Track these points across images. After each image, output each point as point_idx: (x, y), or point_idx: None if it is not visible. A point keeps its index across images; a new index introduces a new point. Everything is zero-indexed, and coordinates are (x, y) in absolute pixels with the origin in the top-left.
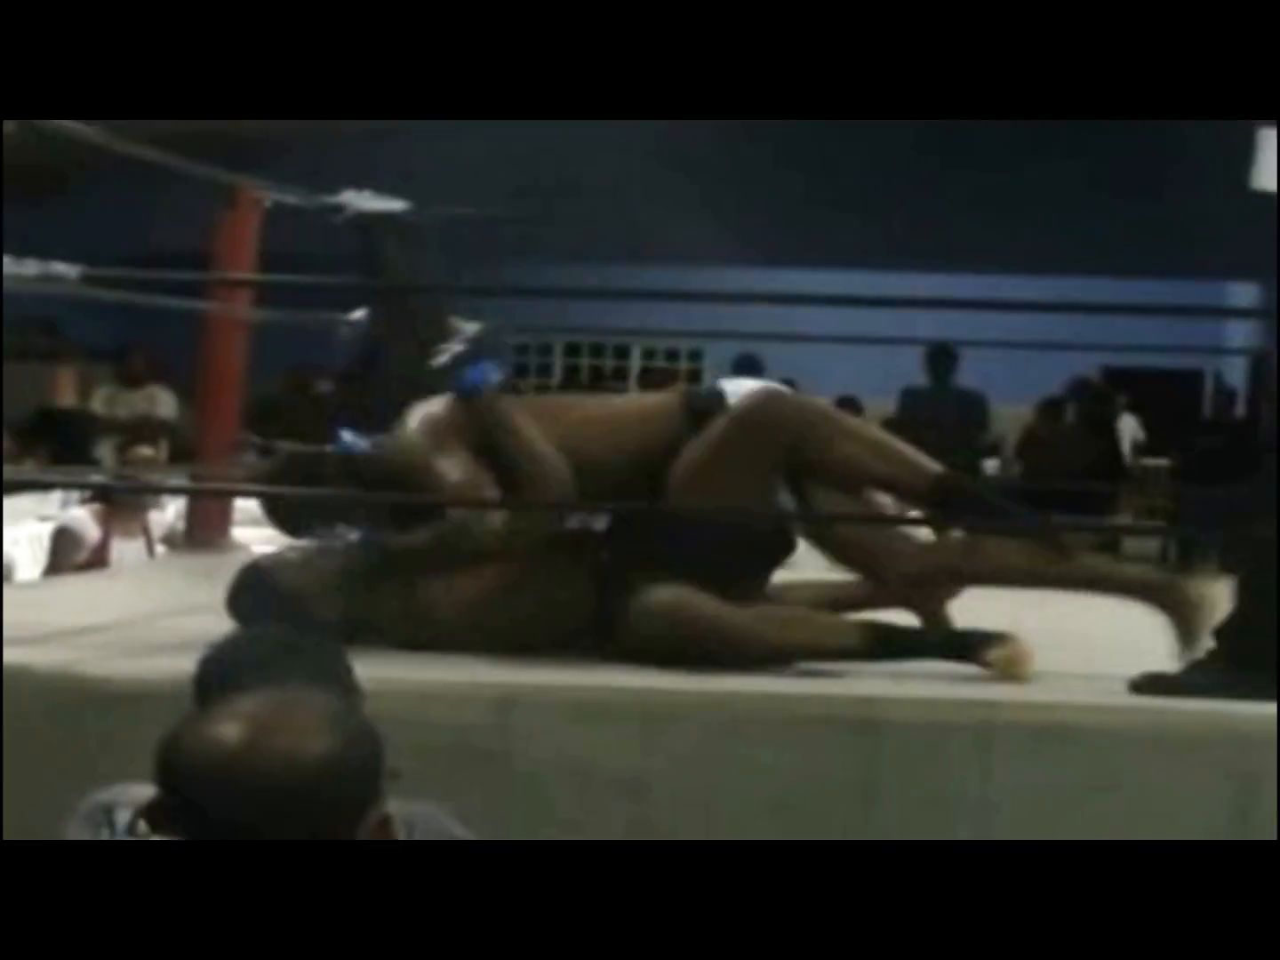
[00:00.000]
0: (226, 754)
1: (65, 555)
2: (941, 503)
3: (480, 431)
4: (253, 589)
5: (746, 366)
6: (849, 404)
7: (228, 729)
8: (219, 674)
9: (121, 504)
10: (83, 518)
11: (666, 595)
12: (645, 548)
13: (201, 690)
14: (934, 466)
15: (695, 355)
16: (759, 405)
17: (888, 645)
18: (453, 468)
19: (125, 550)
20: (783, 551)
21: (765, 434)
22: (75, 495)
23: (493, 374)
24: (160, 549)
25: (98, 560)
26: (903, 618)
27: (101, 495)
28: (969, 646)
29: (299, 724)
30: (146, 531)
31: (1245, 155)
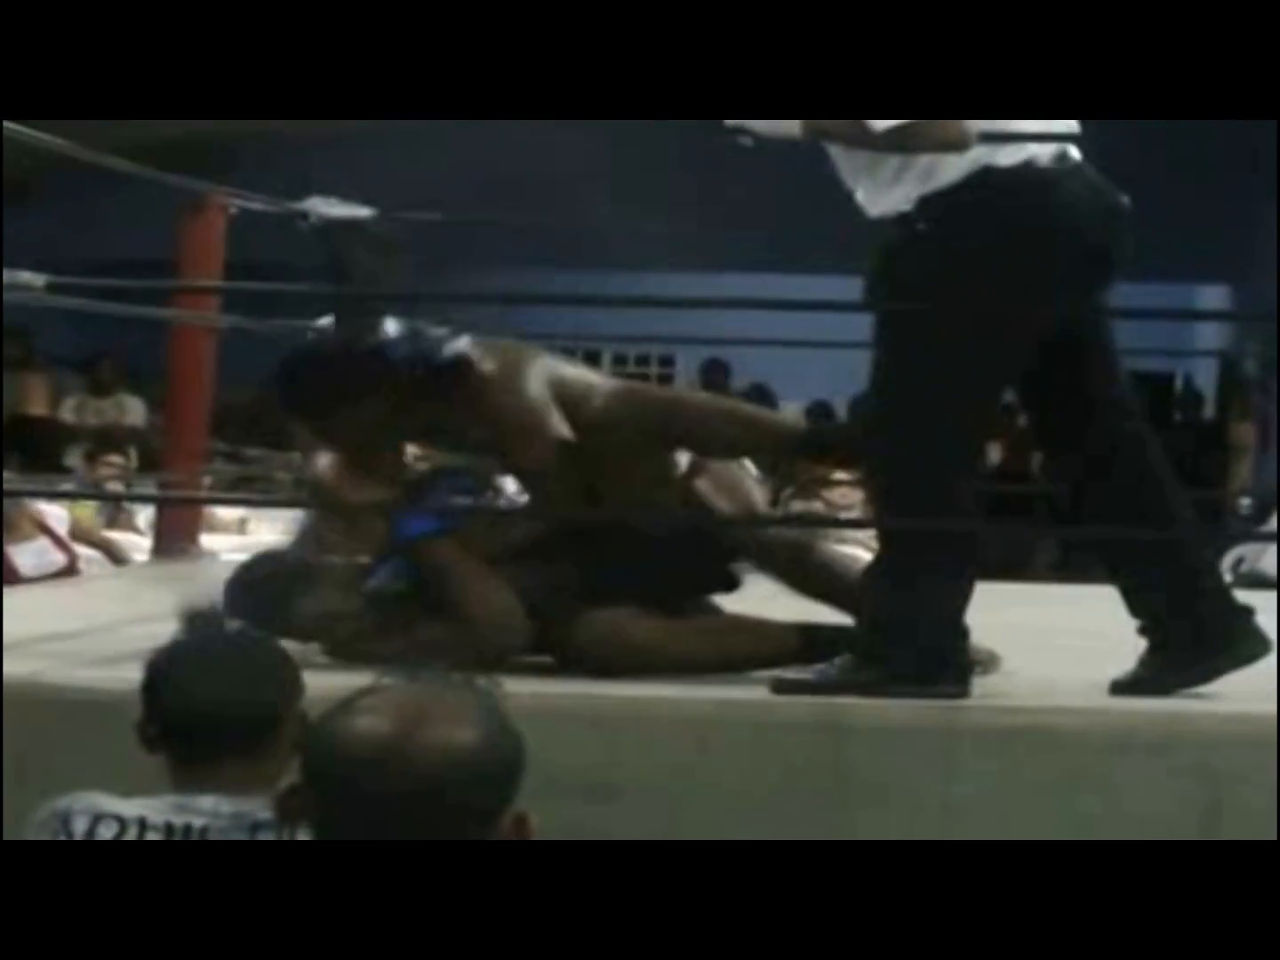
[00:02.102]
0: (377, 745)
1: None
2: (816, 452)
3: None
4: (281, 582)
5: (712, 371)
6: (822, 409)
7: (377, 721)
8: (166, 677)
9: (3, 511)
10: None
11: (605, 619)
12: (583, 564)
13: (149, 694)
14: (798, 423)
15: (667, 361)
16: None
17: (823, 646)
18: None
19: (30, 552)
20: (722, 559)
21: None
22: None
23: (430, 525)
24: (80, 546)
25: (8, 573)
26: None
27: None
28: None
29: (448, 718)
30: (45, 529)
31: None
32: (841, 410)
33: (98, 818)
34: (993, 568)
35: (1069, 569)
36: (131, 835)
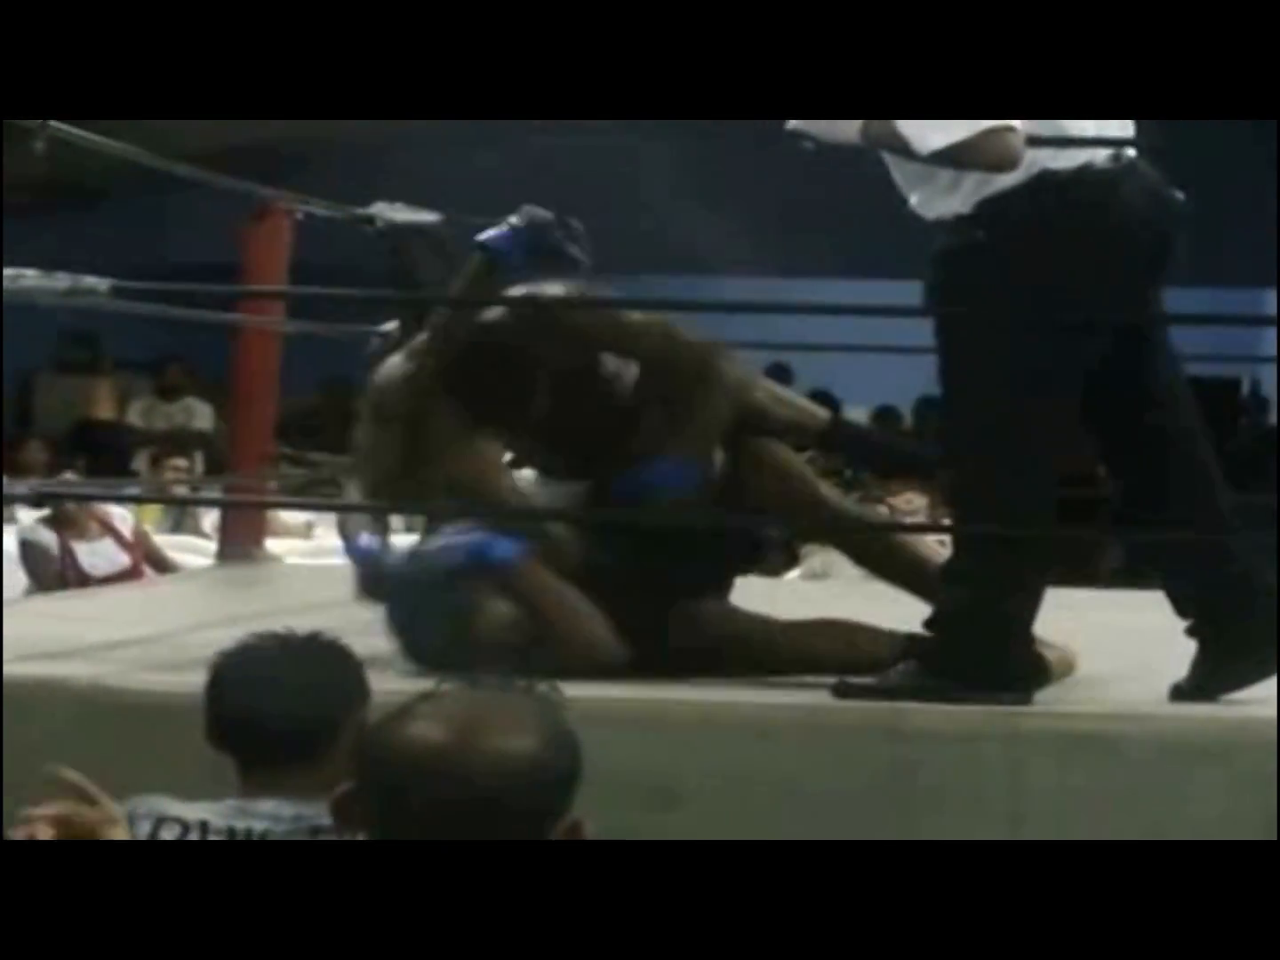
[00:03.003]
0: (434, 751)
1: (39, 567)
2: (836, 443)
3: None
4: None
5: (775, 375)
6: (889, 415)
7: (436, 726)
8: (227, 682)
9: (67, 508)
10: (36, 528)
11: (714, 609)
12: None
13: (213, 699)
14: (823, 411)
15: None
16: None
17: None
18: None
19: (94, 552)
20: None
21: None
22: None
23: (518, 548)
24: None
25: (71, 569)
26: None
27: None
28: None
29: (506, 724)
30: (110, 528)
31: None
32: (907, 414)
33: (161, 820)
34: (1058, 572)
35: (1133, 574)
36: (194, 838)
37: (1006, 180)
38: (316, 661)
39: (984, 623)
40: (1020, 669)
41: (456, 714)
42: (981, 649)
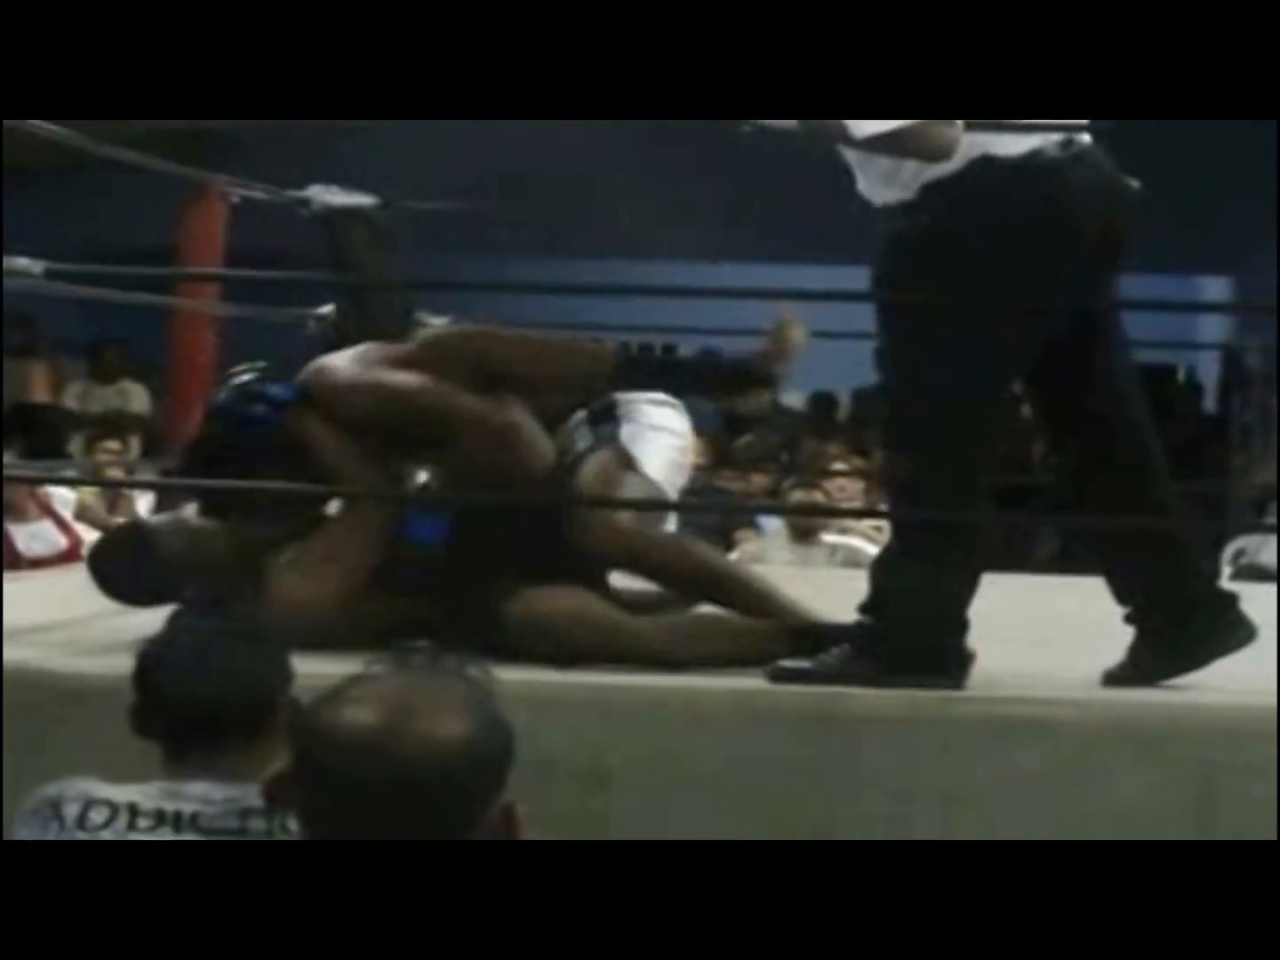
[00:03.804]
0: (365, 734)
1: None
2: (629, 376)
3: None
4: (127, 551)
5: (707, 361)
6: (827, 400)
7: (367, 709)
8: (159, 666)
9: (8, 493)
10: None
11: (563, 602)
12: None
13: (142, 684)
14: (607, 347)
15: (669, 350)
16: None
17: (808, 644)
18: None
19: (33, 535)
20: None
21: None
22: None
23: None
24: (80, 525)
25: (8, 553)
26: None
27: None
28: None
29: (437, 707)
30: (49, 510)
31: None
32: (845, 400)
33: (89, 803)
34: (993, 558)
35: (1069, 560)
36: (122, 821)
37: (948, 166)
38: (245, 643)
39: (917, 608)
40: (952, 655)
41: (387, 696)
42: (915, 635)
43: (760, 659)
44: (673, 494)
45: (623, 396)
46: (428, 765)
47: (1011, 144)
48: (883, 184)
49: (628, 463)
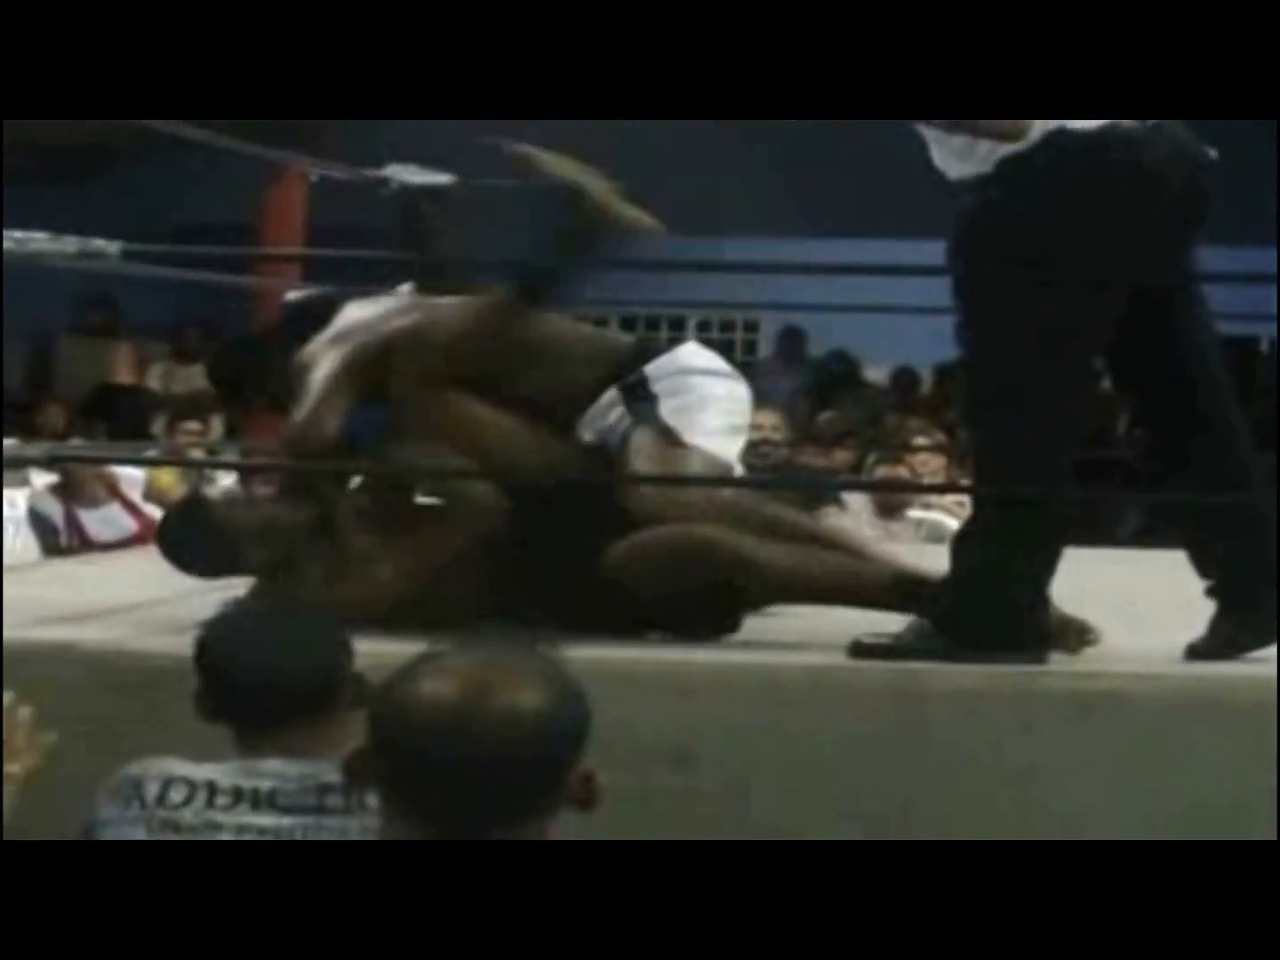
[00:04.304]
0: (445, 709)
1: (45, 536)
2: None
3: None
4: (186, 523)
5: (790, 338)
6: (908, 375)
7: (445, 684)
8: (223, 649)
9: (73, 474)
10: (42, 494)
11: (674, 530)
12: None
13: (203, 668)
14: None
15: (751, 326)
16: None
17: (913, 593)
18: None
19: (102, 519)
20: None
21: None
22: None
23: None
24: (150, 507)
25: (77, 537)
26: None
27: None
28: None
29: (516, 680)
30: (117, 492)
31: None
32: (926, 375)
33: (169, 782)
34: (1077, 533)
35: (1154, 534)
36: (200, 799)
37: (1025, 140)
38: (308, 621)
39: (998, 584)
40: (1033, 631)
41: (464, 671)
42: (995, 610)
43: (870, 602)
44: (734, 465)
45: (660, 369)
46: (507, 738)
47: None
48: (958, 159)
49: (674, 439)
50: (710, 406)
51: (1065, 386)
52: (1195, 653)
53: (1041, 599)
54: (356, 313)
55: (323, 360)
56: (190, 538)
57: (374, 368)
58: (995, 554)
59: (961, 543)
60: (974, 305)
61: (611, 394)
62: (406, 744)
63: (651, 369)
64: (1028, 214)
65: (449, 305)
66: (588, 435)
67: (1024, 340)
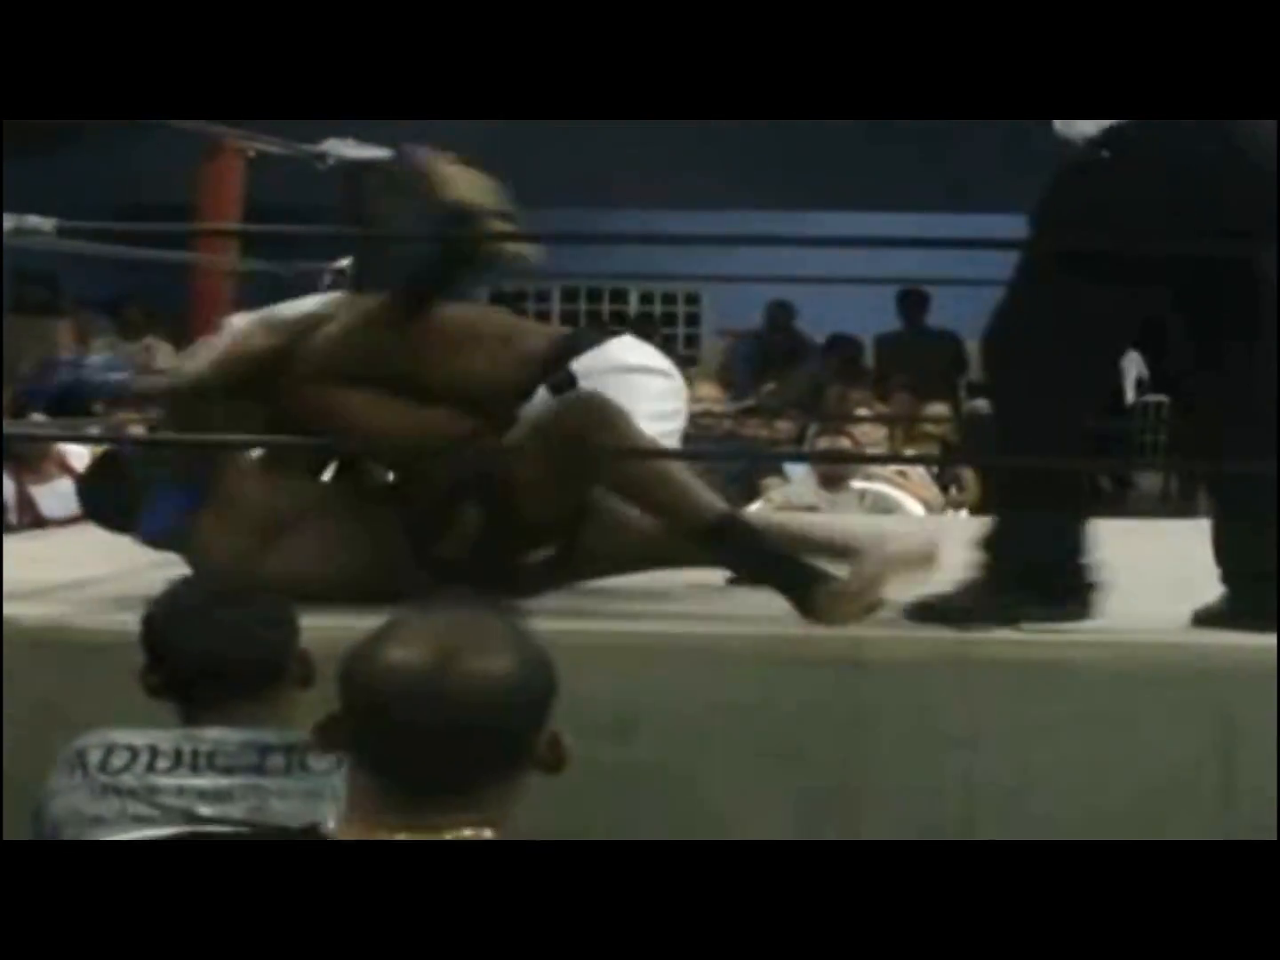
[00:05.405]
0: (412, 677)
1: None
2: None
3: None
4: (106, 478)
5: (777, 312)
6: (846, 343)
7: (415, 647)
8: (168, 627)
9: (23, 452)
10: None
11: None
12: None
13: (149, 644)
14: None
15: (693, 299)
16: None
17: (738, 543)
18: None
19: (53, 493)
20: None
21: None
22: None
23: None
24: None
25: (31, 514)
26: None
27: None
28: (804, 580)
29: (484, 642)
30: (68, 469)
31: None
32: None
33: (110, 749)
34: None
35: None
36: (143, 762)
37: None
38: (255, 599)
39: (1043, 544)
40: (1081, 587)
41: (434, 635)
42: (1042, 569)
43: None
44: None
45: (588, 366)
46: (476, 699)
47: None
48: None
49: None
50: (641, 403)
51: (1099, 366)
52: (1202, 620)
53: (1083, 557)
54: (286, 309)
55: (233, 334)
56: (104, 492)
57: (269, 355)
58: (1031, 517)
59: (999, 506)
60: (1035, 268)
61: (542, 392)
62: (375, 709)
63: (579, 366)
64: (1126, 177)
65: (345, 305)
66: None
67: (1072, 308)
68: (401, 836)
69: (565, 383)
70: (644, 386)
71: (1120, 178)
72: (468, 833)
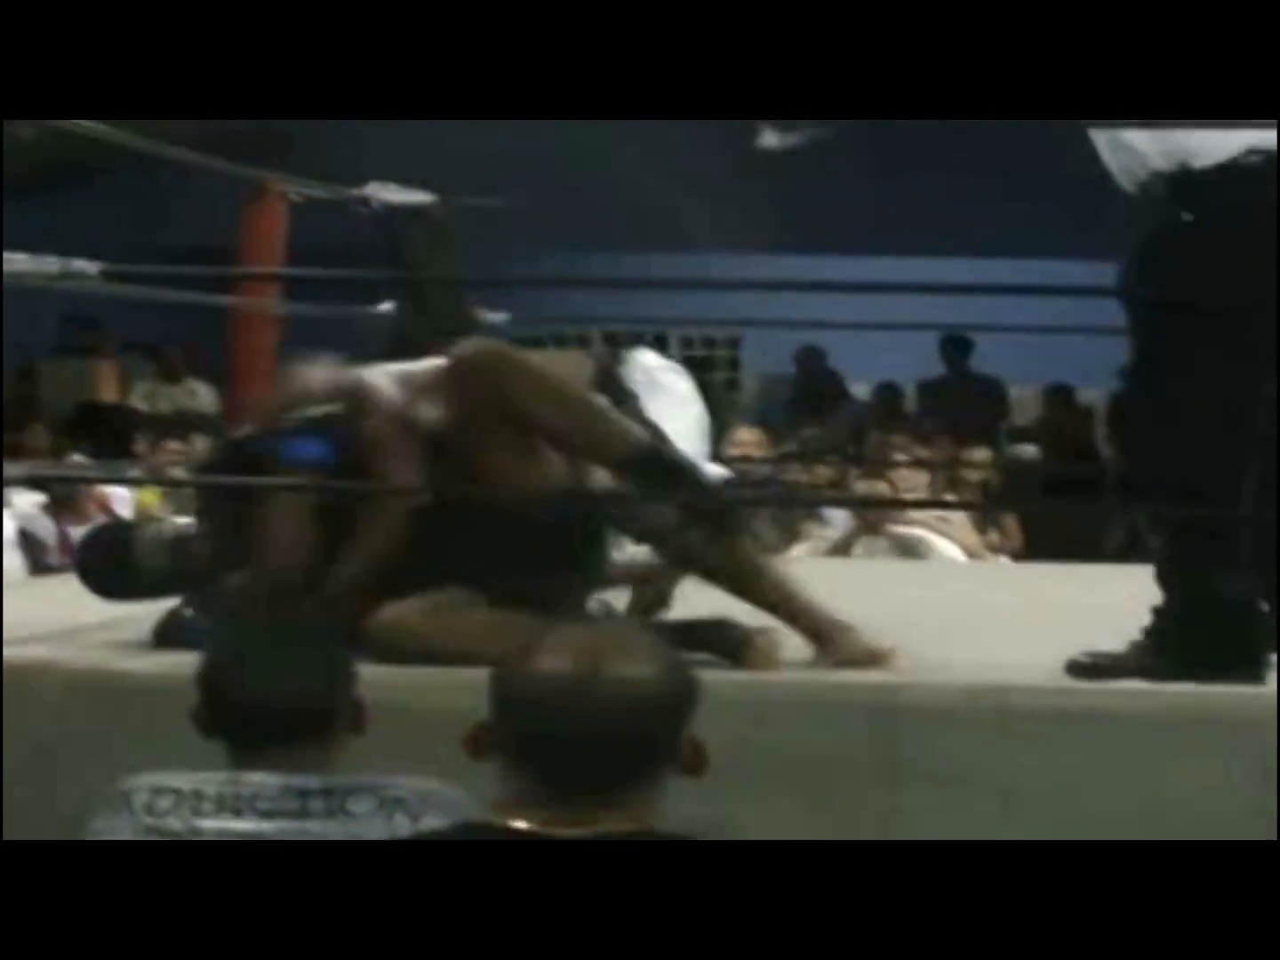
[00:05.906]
0: (562, 686)
1: (37, 554)
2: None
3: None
4: (108, 549)
5: (809, 356)
6: (889, 390)
7: (566, 656)
8: (221, 667)
9: (66, 493)
10: (34, 515)
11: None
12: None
13: (205, 684)
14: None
15: (733, 343)
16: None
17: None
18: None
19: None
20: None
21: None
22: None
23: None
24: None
25: (71, 554)
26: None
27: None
28: (734, 640)
29: (630, 651)
30: (108, 511)
31: None
32: (910, 391)
33: (157, 791)
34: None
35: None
36: (187, 806)
37: (1214, 155)
38: (314, 644)
39: (1212, 602)
40: (1251, 646)
41: (582, 645)
42: (1213, 628)
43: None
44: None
45: (624, 372)
46: (628, 705)
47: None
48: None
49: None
50: (676, 394)
51: (1249, 406)
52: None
53: (1256, 616)
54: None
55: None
56: (103, 562)
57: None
58: (1201, 573)
59: (1166, 564)
60: (1159, 327)
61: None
62: (532, 713)
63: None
64: (1221, 234)
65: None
66: None
67: (1212, 361)
68: (559, 832)
69: (624, 394)
70: (673, 382)
71: (1215, 232)
72: (621, 829)
